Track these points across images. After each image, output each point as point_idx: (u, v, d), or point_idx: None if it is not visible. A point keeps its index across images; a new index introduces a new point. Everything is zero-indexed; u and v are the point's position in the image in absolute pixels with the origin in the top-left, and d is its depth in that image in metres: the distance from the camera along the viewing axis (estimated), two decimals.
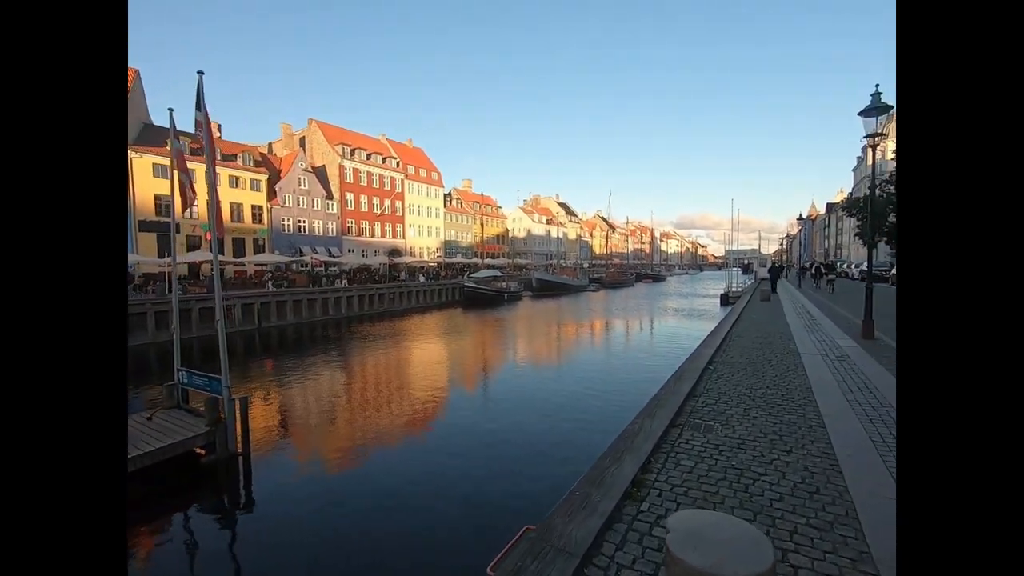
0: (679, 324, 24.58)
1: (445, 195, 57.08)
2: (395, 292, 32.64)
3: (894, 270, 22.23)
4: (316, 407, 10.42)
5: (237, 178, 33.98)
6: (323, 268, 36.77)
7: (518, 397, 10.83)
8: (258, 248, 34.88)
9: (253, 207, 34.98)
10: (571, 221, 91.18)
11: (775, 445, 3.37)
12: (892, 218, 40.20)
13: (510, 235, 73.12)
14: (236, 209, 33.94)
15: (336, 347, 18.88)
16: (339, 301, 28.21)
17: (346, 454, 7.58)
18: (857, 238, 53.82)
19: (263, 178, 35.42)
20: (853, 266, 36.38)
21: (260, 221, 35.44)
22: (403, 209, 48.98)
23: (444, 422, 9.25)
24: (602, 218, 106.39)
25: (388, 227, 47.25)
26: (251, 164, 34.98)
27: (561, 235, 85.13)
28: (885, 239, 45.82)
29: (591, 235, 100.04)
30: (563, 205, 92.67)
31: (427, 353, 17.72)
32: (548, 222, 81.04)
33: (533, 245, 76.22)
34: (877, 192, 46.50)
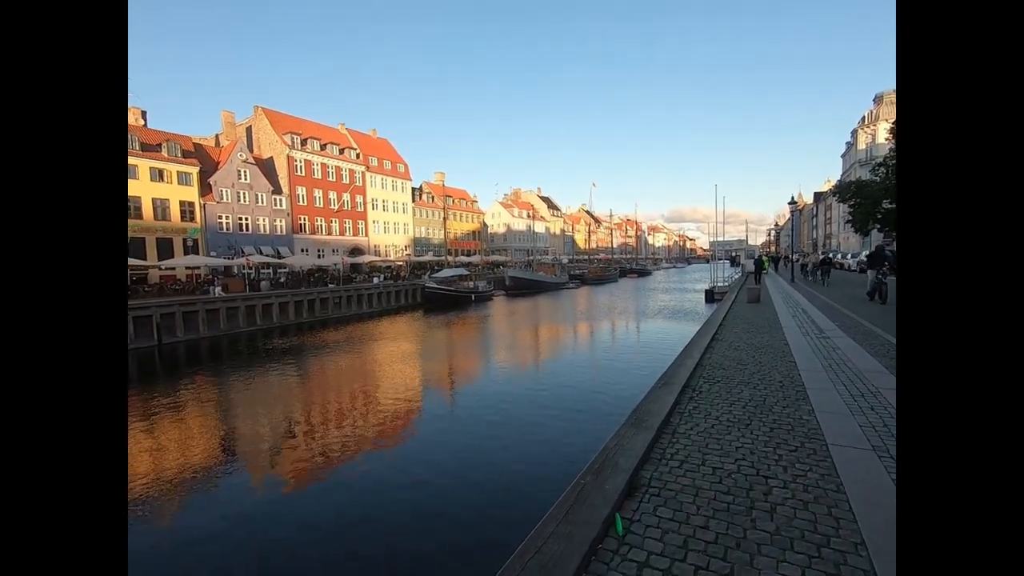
0: (655, 331, 21.35)
1: (414, 189, 53.28)
2: (342, 296, 28.93)
3: None
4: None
5: (161, 171, 29.94)
6: (270, 271, 32.95)
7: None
8: (189, 250, 30.91)
9: (182, 203, 30.98)
10: (554, 215, 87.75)
11: None
12: (886, 204, 37.32)
13: (489, 231, 69.51)
14: (161, 205, 29.93)
15: (236, 366, 15.23)
16: (269, 308, 24.48)
17: None
18: (848, 226, 51.30)
19: (194, 171, 31.41)
20: (849, 256, 33.42)
21: (191, 219, 31.45)
22: (364, 204, 45.12)
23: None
24: (587, 212, 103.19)
25: (348, 224, 43.38)
26: (178, 155, 30.94)
27: (543, 230, 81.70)
28: (879, 226, 42.99)
29: (575, 230, 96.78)
30: (545, 199, 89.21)
31: (342, 371, 14.16)
32: (529, 216, 77.50)
33: (513, 241, 72.72)
34: (870, 176, 43.66)
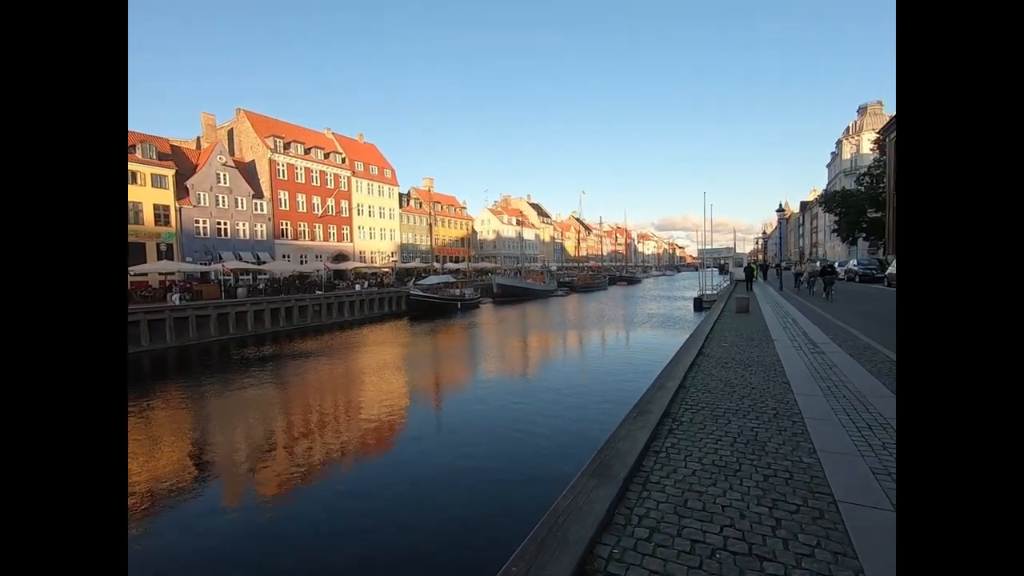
0: (643, 340, 20.80)
1: (402, 195, 52.51)
2: (322, 303, 27.97)
3: (890, 269, 18.78)
4: None
5: (135, 172, 28.84)
6: (250, 277, 31.87)
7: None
8: (163, 255, 29.74)
9: (156, 207, 29.85)
10: (544, 223, 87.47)
11: None
12: (871, 213, 37.42)
13: (478, 237, 68.86)
14: (133, 209, 28.75)
15: (205, 377, 14.26)
16: (243, 316, 23.46)
17: None
18: (834, 235, 51.61)
19: (169, 173, 30.35)
20: (837, 264, 33.32)
21: (166, 223, 30.31)
22: (350, 209, 44.22)
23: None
24: (577, 219, 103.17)
25: (332, 229, 42.41)
26: (153, 157, 29.88)
27: (533, 237, 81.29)
28: (864, 235, 43.13)
29: (564, 237, 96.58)
30: (535, 206, 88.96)
31: (310, 384, 13.28)
32: (519, 224, 77.06)
33: (502, 248, 72.15)
34: (855, 186, 43.76)
